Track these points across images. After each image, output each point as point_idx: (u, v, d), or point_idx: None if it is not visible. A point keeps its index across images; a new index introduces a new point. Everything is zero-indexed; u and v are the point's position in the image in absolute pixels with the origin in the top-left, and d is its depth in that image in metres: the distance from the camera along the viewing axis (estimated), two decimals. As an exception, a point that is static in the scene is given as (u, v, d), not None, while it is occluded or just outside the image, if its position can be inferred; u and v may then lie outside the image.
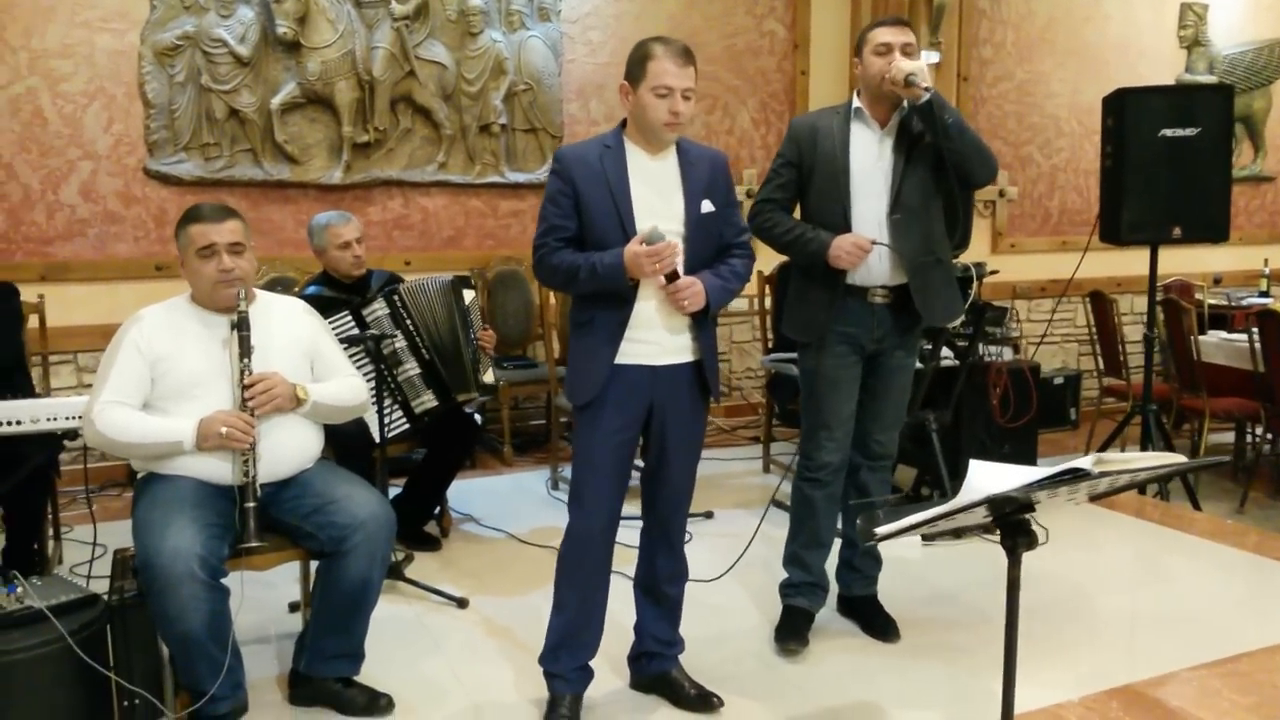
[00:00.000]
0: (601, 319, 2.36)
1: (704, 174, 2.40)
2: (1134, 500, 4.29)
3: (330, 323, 3.41)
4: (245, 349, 2.45)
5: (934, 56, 5.75)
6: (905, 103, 2.69)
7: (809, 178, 2.74)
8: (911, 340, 2.87)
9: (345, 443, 3.39)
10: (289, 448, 2.52)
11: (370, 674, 2.64)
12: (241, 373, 2.43)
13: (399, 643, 2.94)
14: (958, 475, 4.19)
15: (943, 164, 2.69)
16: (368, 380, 3.26)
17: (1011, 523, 1.59)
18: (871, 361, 2.82)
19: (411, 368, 3.55)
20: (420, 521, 3.80)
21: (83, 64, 4.39)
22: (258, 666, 2.76)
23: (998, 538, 1.65)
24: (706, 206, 2.38)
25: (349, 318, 3.48)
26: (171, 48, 4.50)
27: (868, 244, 2.63)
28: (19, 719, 2.20)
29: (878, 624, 2.97)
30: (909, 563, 3.56)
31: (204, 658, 2.29)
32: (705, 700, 2.52)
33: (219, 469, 2.42)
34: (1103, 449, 4.74)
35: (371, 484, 3.32)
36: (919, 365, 3.94)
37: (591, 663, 2.51)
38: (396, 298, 3.56)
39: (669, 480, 2.47)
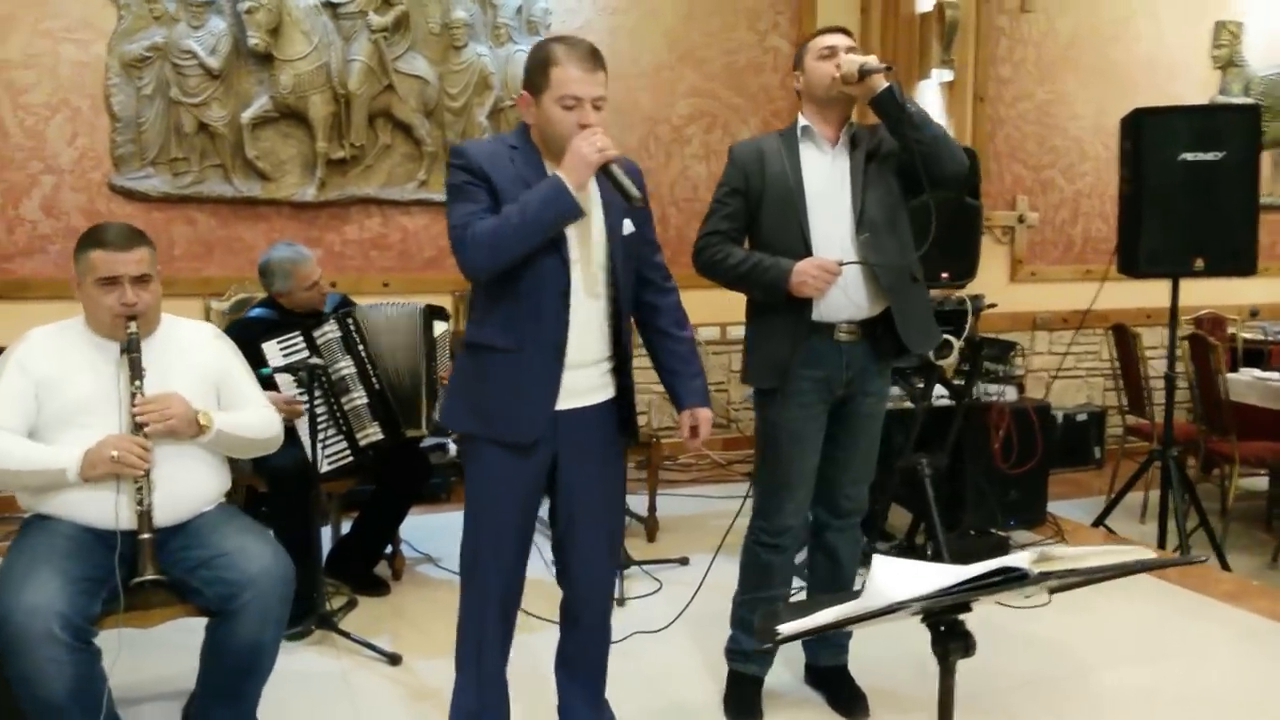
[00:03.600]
0: (534, 347, 2.05)
1: None
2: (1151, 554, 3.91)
3: (280, 343, 3.23)
4: (136, 370, 2.22)
5: (945, 75, 5.46)
6: (853, 122, 2.46)
7: (758, 205, 2.46)
8: (882, 383, 2.56)
9: (278, 475, 3.16)
10: (183, 488, 2.28)
11: (272, 739, 2.39)
12: (133, 395, 2.20)
13: (315, 702, 2.69)
14: (957, 525, 3.87)
15: (905, 175, 2.43)
16: (308, 408, 3.05)
17: (943, 624, 1.30)
18: (839, 409, 2.51)
19: (359, 397, 3.31)
20: (369, 563, 3.54)
21: (46, 75, 4.23)
22: (158, 728, 2.52)
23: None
24: (628, 227, 2.10)
25: (300, 339, 3.26)
26: (139, 59, 4.32)
27: (834, 266, 2.33)
28: None
29: (844, 698, 2.66)
30: (891, 626, 3.24)
31: (66, 730, 2.05)
32: (635, 788, 2.24)
33: (102, 511, 2.19)
34: (1122, 494, 4.38)
35: (308, 521, 3.10)
36: (910, 405, 3.65)
37: (508, 740, 2.25)
38: (350, 321, 3.33)
39: (583, 547, 2.18)
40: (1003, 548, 3.66)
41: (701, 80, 5.34)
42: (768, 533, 2.53)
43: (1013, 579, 1.14)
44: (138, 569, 2.12)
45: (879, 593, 1.15)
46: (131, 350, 2.24)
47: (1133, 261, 3.97)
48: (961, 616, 1.30)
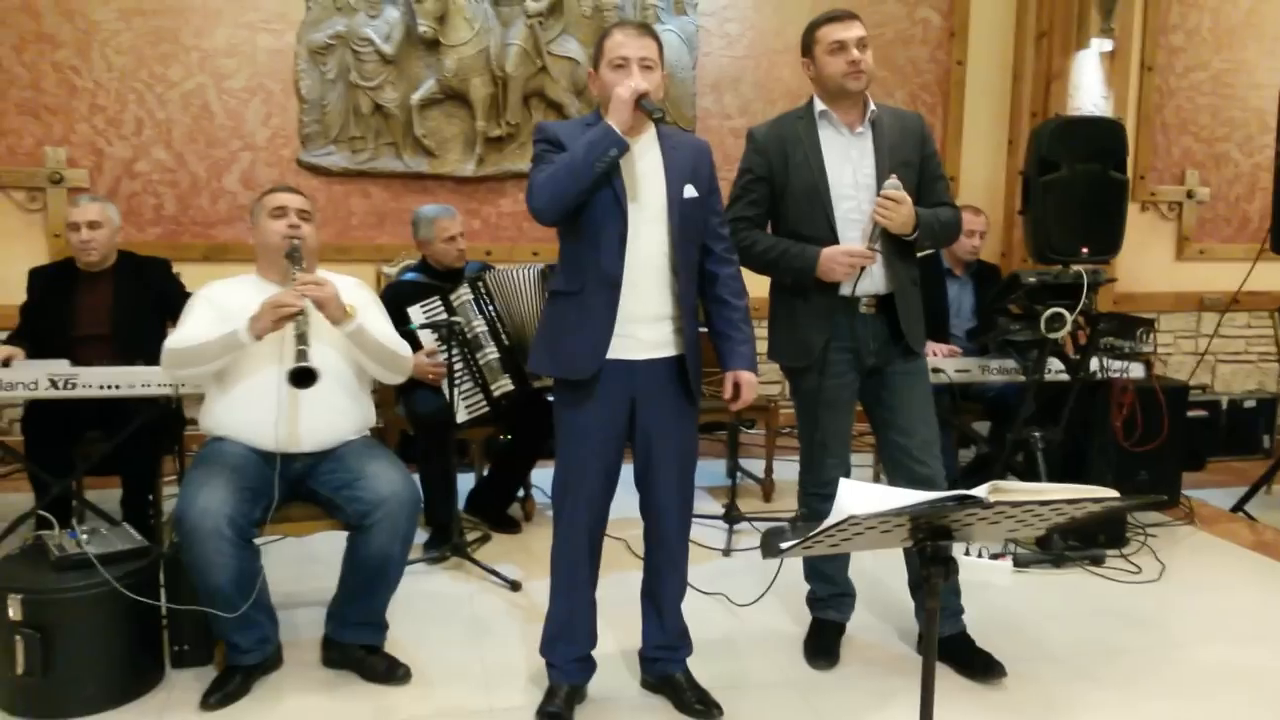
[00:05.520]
0: (593, 285, 2.28)
1: (686, 158, 2.33)
2: (1291, 542, 3.78)
3: (423, 307, 3.62)
4: (296, 261, 2.63)
5: (1105, 45, 5.28)
6: (873, 105, 2.57)
7: (782, 194, 2.60)
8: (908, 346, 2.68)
9: (422, 421, 3.55)
10: (331, 418, 2.66)
11: (404, 641, 2.79)
12: (294, 275, 2.59)
13: (442, 618, 3.05)
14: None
15: (922, 170, 2.61)
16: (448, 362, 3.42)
17: (929, 549, 1.45)
18: (876, 376, 2.64)
19: (491, 352, 3.66)
20: (502, 504, 3.90)
21: (245, 62, 4.79)
22: (312, 628, 2.92)
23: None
24: (689, 191, 2.31)
25: (439, 303, 3.65)
26: (324, 47, 4.82)
27: (865, 252, 2.48)
28: (72, 652, 2.44)
29: (973, 663, 2.69)
30: (991, 591, 3.31)
31: (229, 610, 2.47)
32: (706, 707, 2.46)
33: (263, 432, 2.58)
34: (1262, 481, 4.22)
35: (447, 462, 3.47)
36: (1022, 378, 3.67)
37: (595, 653, 2.52)
38: (481, 284, 3.69)
39: (659, 489, 2.41)
40: (1118, 523, 3.64)
41: (846, 55, 5.39)
42: (815, 485, 2.70)
43: (970, 504, 1.29)
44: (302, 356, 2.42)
45: (842, 510, 1.33)
46: (293, 253, 2.65)
47: (1282, 238, 3.81)
48: (947, 544, 1.45)
